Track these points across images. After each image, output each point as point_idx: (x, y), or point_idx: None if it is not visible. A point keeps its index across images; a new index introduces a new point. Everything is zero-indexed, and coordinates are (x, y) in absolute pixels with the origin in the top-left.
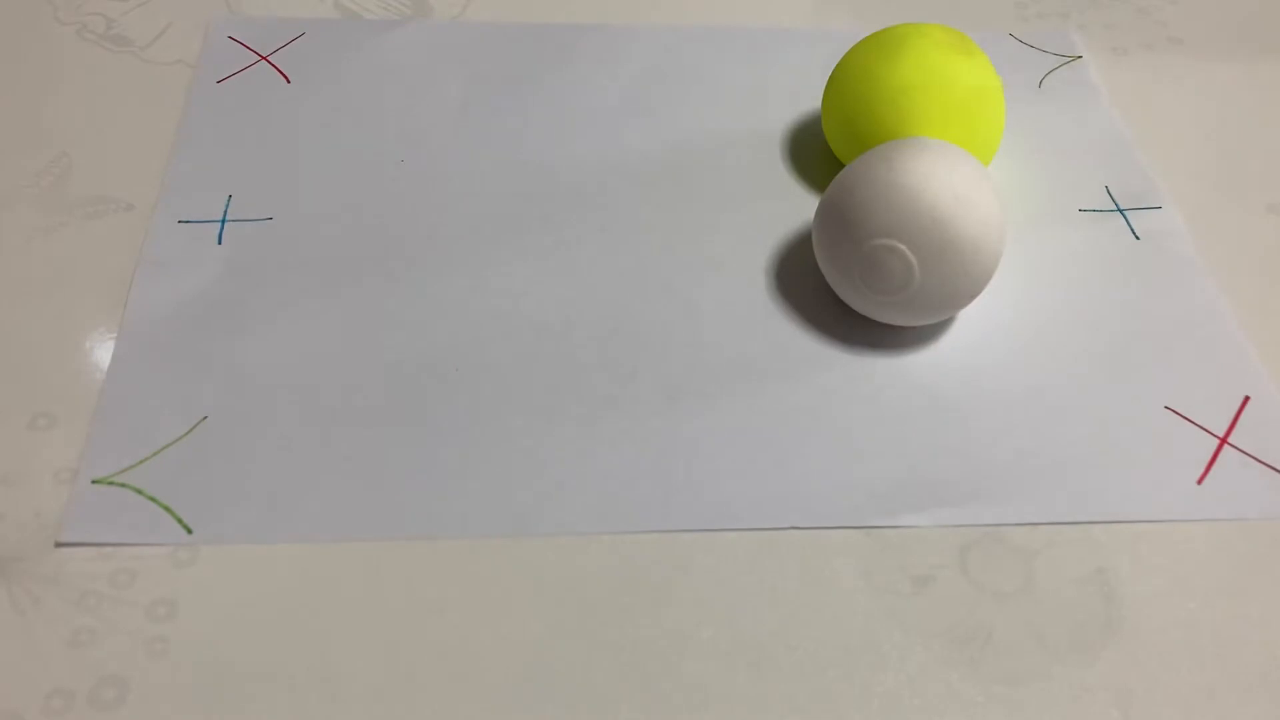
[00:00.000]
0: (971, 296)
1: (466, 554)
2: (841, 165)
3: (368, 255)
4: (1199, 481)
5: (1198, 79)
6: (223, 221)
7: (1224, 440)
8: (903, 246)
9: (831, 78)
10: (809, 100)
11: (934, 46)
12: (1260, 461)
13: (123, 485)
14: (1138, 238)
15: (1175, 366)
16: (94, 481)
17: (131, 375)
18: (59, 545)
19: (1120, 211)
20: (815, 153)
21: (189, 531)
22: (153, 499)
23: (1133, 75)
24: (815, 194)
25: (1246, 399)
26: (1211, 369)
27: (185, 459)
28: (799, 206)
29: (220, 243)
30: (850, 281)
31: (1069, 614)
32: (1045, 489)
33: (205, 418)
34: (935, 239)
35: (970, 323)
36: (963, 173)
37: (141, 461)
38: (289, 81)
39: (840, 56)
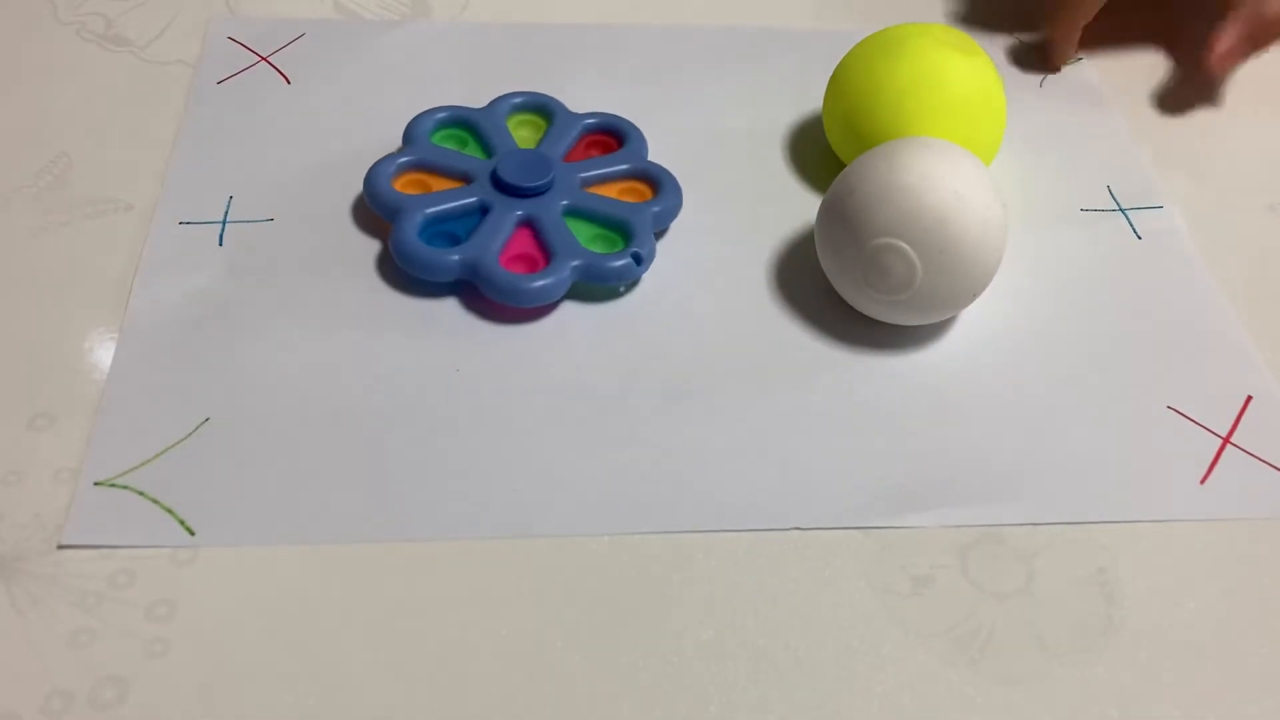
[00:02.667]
0: (973, 296)
1: (467, 555)
2: (843, 165)
3: (368, 256)
4: (1201, 481)
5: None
6: (224, 223)
7: (1226, 440)
8: (905, 246)
9: (832, 78)
10: (809, 100)
11: (935, 46)
12: (1263, 461)
13: (125, 487)
14: (1139, 237)
15: (1177, 366)
16: (96, 484)
17: (133, 377)
18: (61, 547)
19: (1122, 211)
20: (816, 153)
21: (191, 534)
22: (155, 501)
23: (1133, 75)
24: (816, 194)
25: (1249, 398)
26: (1214, 368)
27: (187, 461)
28: (800, 206)
29: (221, 244)
30: (852, 281)
31: (1069, 614)
32: (1046, 489)
33: (207, 419)
34: (937, 238)
35: (972, 322)
36: (964, 172)
37: (143, 463)
38: (289, 82)
39: (841, 56)
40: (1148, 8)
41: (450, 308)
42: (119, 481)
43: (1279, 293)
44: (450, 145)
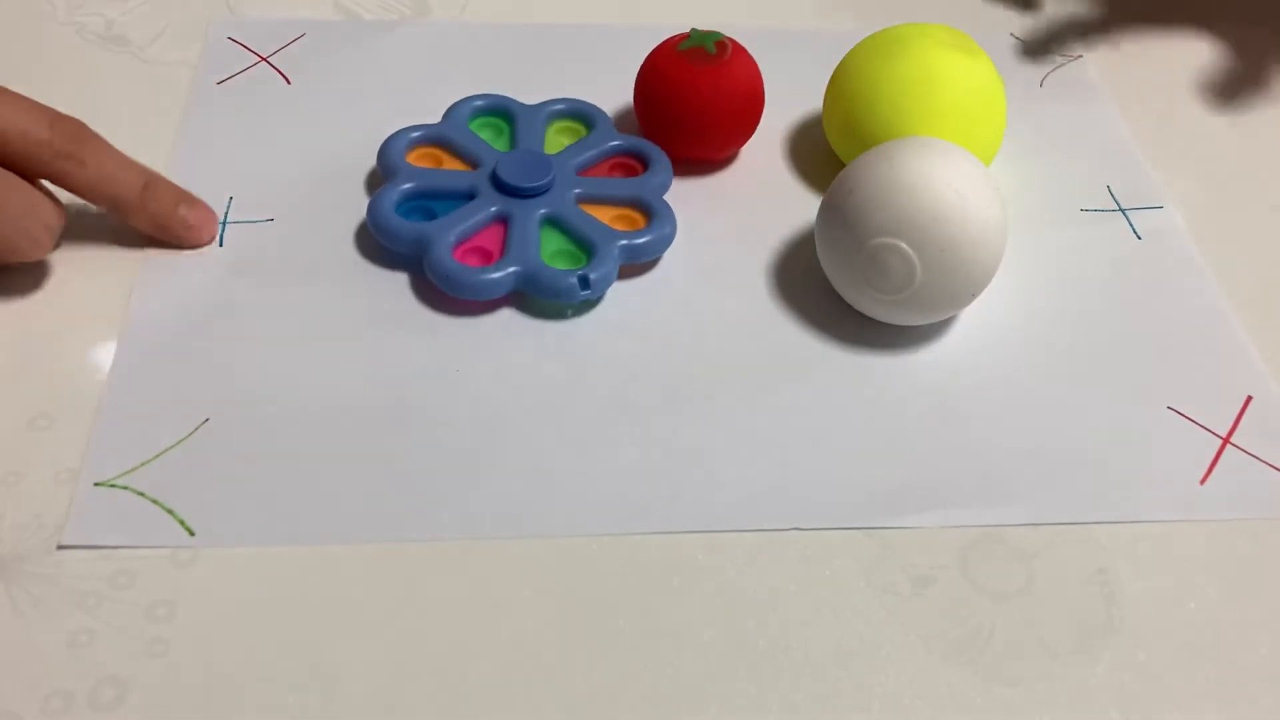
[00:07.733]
0: (973, 296)
1: (466, 555)
2: (843, 165)
3: (368, 256)
4: (1201, 482)
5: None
6: (224, 223)
7: (1226, 440)
8: (904, 245)
9: (832, 78)
10: (809, 100)
11: (935, 46)
12: (1263, 461)
13: (125, 488)
14: (1139, 237)
15: (1177, 366)
16: (96, 484)
17: (133, 377)
18: (61, 548)
19: (1122, 211)
20: (816, 153)
21: (191, 534)
22: (155, 501)
23: (1133, 75)
24: (816, 194)
25: (1249, 399)
26: (1214, 369)
27: (187, 461)
28: (800, 206)
29: (221, 244)
30: (852, 280)
31: (1069, 614)
32: (1046, 489)
33: (207, 420)
34: (936, 238)
35: (971, 322)
36: (964, 172)
37: (143, 464)
38: (289, 82)
39: (840, 56)
40: (1150, 7)
41: (449, 308)
42: (119, 482)
43: (1279, 293)
44: (486, 133)
